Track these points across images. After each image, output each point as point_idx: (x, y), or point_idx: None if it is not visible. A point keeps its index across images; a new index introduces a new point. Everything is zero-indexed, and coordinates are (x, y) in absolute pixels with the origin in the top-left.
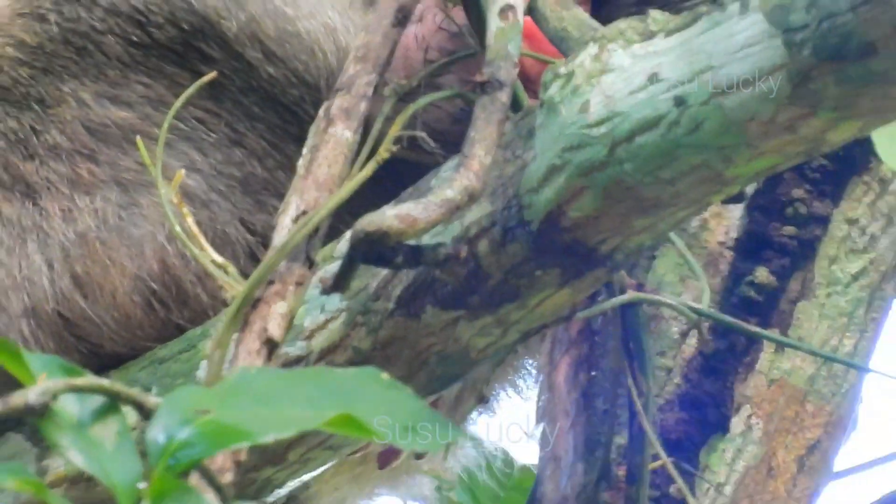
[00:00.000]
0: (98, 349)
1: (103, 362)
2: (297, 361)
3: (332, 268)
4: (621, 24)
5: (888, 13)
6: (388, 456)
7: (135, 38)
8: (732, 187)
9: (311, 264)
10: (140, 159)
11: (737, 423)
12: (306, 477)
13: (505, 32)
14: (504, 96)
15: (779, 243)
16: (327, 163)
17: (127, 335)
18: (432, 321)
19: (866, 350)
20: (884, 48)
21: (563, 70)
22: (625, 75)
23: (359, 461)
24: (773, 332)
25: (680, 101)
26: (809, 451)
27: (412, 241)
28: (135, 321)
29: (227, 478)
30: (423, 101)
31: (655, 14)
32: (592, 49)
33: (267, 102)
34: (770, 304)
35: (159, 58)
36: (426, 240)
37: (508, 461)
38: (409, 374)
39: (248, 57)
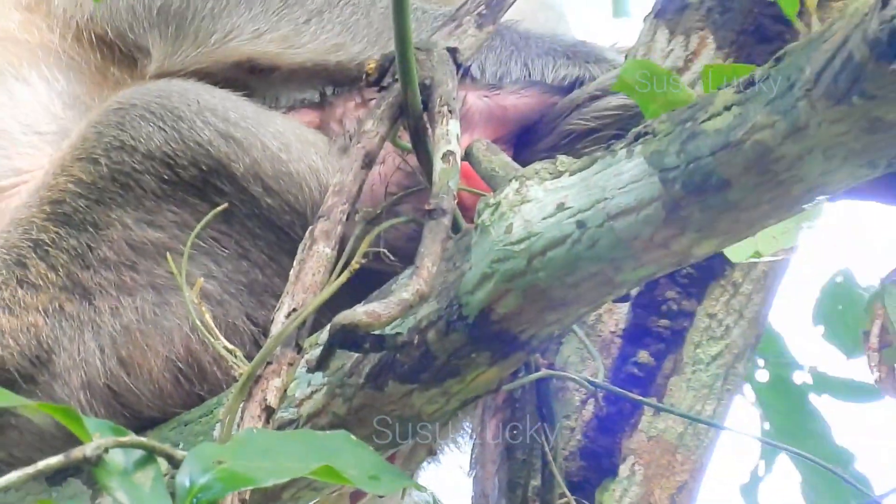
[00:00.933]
0: (138, 414)
1: (142, 424)
2: (289, 423)
3: (316, 352)
4: (537, 165)
5: (739, 157)
6: (358, 495)
7: (165, 177)
8: (621, 290)
9: (299, 349)
10: (170, 269)
11: (623, 469)
12: None
13: (446, 172)
14: (447, 221)
15: (656, 332)
16: (312, 272)
17: (160, 403)
18: (393, 392)
19: (723, 413)
20: (736, 183)
21: (492, 201)
22: (539, 204)
23: (336, 498)
24: (652, 400)
25: (581, 225)
26: (678, 491)
27: (377, 332)
28: (166, 393)
29: None
30: (384, 225)
31: (562, 158)
32: (514, 185)
33: (266, 225)
34: (649, 378)
35: (184, 191)
36: (388, 330)
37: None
38: (375, 432)
39: (251, 191)
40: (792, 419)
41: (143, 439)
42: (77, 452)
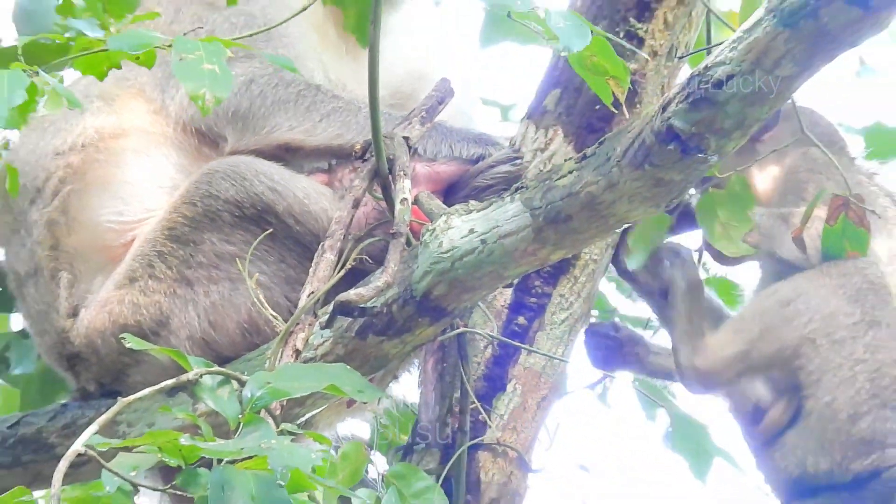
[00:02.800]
0: (220, 355)
1: (222, 361)
2: (310, 360)
3: (325, 317)
4: (457, 206)
5: (577, 201)
6: (351, 402)
7: (235, 213)
8: (507, 280)
9: (315, 316)
10: (238, 269)
11: (509, 387)
12: (315, 411)
13: (403, 211)
14: (403, 240)
15: (528, 305)
16: (322, 270)
17: (232, 349)
18: (371, 341)
19: (568, 353)
20: (576, 217)
21: (430, 227)
22: (458, 230)
23: (338, 404)
24: (526, 346)
25: (483, 241)
26: (542, 399)
27: (362, 305)
28: (236, 343)
29: (278, 412)
30: (366, 242)
31: (472, 203)
32: (444, 218)
33: (296, 243)
34: (524, 333)
35: (246, 222)
36: (369, 304)
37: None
38: (361, 365)
39: (286, 222)
40: None
41: (223, 370)
42: (184, 377)
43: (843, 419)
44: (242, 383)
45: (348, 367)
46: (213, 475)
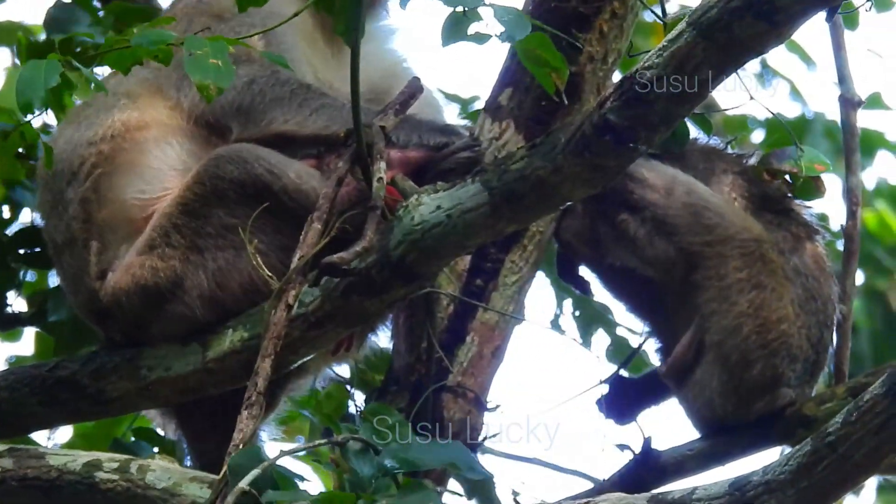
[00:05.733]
0: (227, 310)
1: (228, 315)
2: (301, 315)
3: (314, 278)
4: (427, 186)
5: (528, 183)
6: (336, 350)
7: (239, 191)
8: (468, 249)
9: (305, 277)
10: (241, 237)
11: (468, 339)
12: (307, 357)
13: (378, 188)
14: (379, 212)
15: (484, 269)
16: (311, 237)
17: (237, 306)
18: (354, 300)
19: (519, 309)
20: (527, 197)
21: (404, 204)
22: (428, 206)
23: (324, 352)
24: (482, 304)
25: (449, 217)
26: (496, 349)
27: (345, 267)
28: (241, 300)
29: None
30: (347, 214)
31: (439, 183)
32: (415, 196)
33: (290, 217)
34: (481, 293)
35: (248, 198)
36: (352, 266)
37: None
38: (345, 319)
39: (282, 199)
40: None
41: (363, 438)
42: (334, 440)
43: (734, 363)
44: (378, 451)
45: (462, 445)
46: None
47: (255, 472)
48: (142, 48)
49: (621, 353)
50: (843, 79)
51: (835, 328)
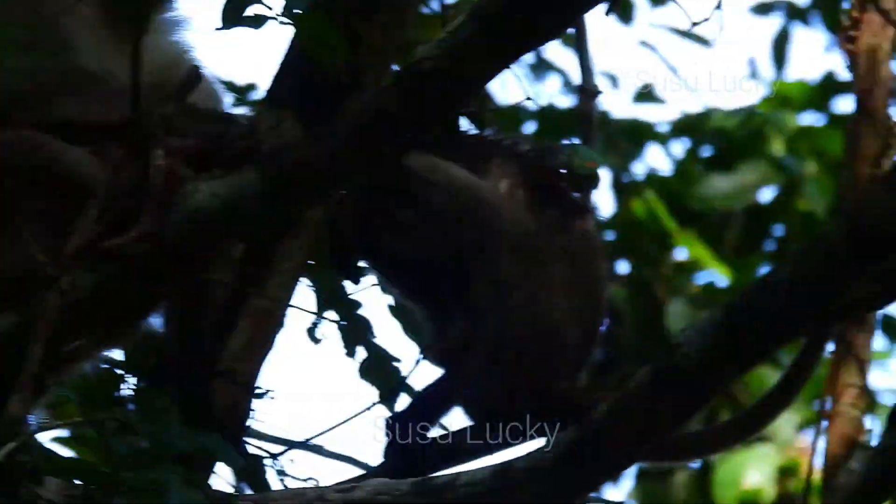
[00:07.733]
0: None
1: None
2: (74, 300)
3: (89, 264)
4: (204, 174)
5: (307, 169)
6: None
7: (20, 178)
8: (246, 236)
9: (80, 262)
10: (18, 224)
11: (241, 325)
12: (77, 342)
13: (155, 175)
14: (155, 200)
15: (259, 257)
16: (87, 223)
17: (11, 292)
18: (129, 286)
19: (289, 298)
20: (306, 182)
21: (182, 191)
22: (204, 194)
23: (97, 337)
24: (256, 290)
25: (225, 204)
26: (268, 335)
27: (120, 253)
28: (15, 286)
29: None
30: (122, 202)
31: (217, 171)
32: (193, 184)
33: (68, 203)
34: (255, 281)
35: (29, 185)
36: (128, 251)
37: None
38: (123, 304)
39: (60, 185)
40: None
41: None
42: None
43: (505, 355)
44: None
45: (219, 433)
46: None
47: (11, 445)
48: None
49: (381, 369)
50: (585, 70)
51: (607, 309)
